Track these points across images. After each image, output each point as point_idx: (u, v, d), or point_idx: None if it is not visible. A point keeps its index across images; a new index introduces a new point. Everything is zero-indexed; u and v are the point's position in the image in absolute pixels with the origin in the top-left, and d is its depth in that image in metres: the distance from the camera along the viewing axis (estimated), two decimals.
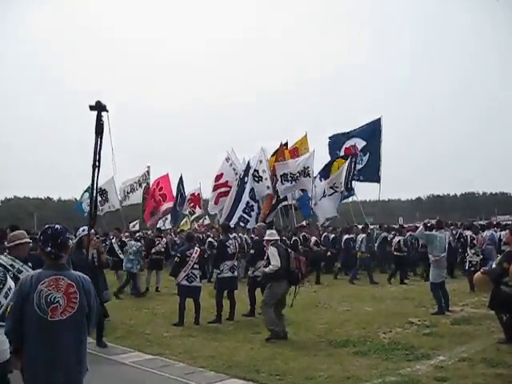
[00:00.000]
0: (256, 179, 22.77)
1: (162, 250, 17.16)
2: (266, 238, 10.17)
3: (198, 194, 30.97)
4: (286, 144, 26.04)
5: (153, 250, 17.00)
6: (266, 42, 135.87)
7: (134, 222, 29.78)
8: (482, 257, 15.18)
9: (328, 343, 9.08)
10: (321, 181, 24.44)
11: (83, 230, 9.25)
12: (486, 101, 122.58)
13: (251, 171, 23.17)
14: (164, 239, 18.06)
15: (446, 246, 12.33)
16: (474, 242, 15.93)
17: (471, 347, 8.54)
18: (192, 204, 30.72)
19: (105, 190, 29.01)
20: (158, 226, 25.58)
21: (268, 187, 23.03)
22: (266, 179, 22.99)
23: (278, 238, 10.45)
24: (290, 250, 10.07)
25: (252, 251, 12.21)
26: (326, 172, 24.71)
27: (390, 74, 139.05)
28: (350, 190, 24.89)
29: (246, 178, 23.41)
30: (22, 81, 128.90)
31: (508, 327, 8.79)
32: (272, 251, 9.63)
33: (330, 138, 27.19)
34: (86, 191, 29.73)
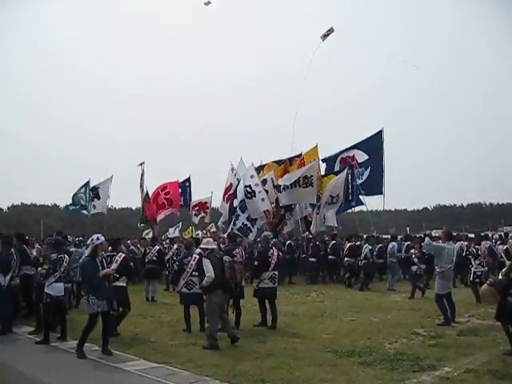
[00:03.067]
0: (249, 195, 22.64)
1: (154, 258, 16.89)
2: (201, 246, 10.46)
3: (206, 203, 30.33)
4: (300, 155, 26.03)
5: (146, 260, 17.04)
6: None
7: (148, 231, 29.49)
8: (486, 268, 15.24)
9: (333, 353, 9.05)
10: None
11: (97, 239, 9.30)
12: (496, 111, 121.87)
13: (242, 187, 23.04)
14: (156, 247, 17.57)
15: (454, 257, 12.26)
16: (479, 252, 16.00)
17: (477, 359, 8.51)
18: (197, 208, 30.15)
19: (98, 187, 30.05)
20: (166, 234, 25.53)
21: (263, 199, 22.90)
22: (259, 192, 22.87)
23: (215, 246, 10.44)
24: (224, 259, 10.01)
25: (256, 262, 12.18)
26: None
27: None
28: (350, 202, 24.93)
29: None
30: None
31: None
32: (205, 263, 9.81)
33: (323, 160, 27.19)
34: (83, 186, 30.13)
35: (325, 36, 24.81)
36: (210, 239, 10.96)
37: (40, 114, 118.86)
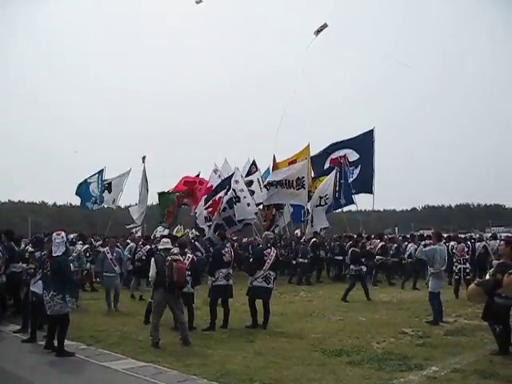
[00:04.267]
0: (234, 200, 22.56)
1: (144, 257, 16.42)
2: (159, 246, 10.71)
3: (220, 199, 26.15)
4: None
5: (135, 257, 16.95)
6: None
7: (137, 228, 29.00)
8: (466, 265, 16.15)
9: (321, 353, 9.06)
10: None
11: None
12: (490, 115, 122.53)
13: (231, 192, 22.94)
14: (147, 246, 17.13)
15: (446, 258, 12.37)
16: (454, 251, 16.42)
17: (464, 358, 8.56)
18: (211, 209, 25.20)
19: (111, 180, 29.10)
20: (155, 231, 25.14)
21: (248, 204, 22.82)
22: (244, 197, 22.81)
23: (170, 246, 10.37)
24: (168, 259, 9.90)
25: (251, 259, 12.12)
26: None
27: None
28: (339, 200, 25.01)
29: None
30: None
31: (501, 339, 8.81)
32: (151, 262, 10.16)
33: (312, 157, 27.22)
34: (95, 175, 29.18)
35: (318, 31, 24.74)
36: (167, 240, 10.88)
37: (32, 110, 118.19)
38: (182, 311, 10.22)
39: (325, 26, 24.82)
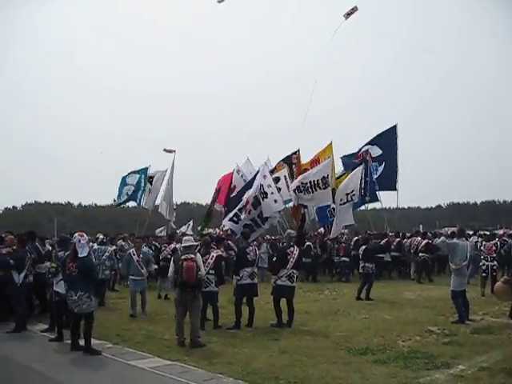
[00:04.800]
0: (262, 196, 22.45)
1: (169, 256, 16.12)
2: (182, 244, 10.41)
3: (248, 200, 24.32)
4: (297, 151, 25.94)
5: (160, 257, 17.04)
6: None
7: (162, 228, 28.86)
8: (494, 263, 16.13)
9: (347, 351, 9.05)
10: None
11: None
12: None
13: (258, 184, 22.80)
14: (172, 245, 17.33)
15: (468, 254, 12.24)
16: (482, 248, 16.39)
17: (491, 357, 8.47)
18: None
19: (153, 177, 27.39)
20: (178, 230, 25.12)
21: (276, 201, 22.70)
22: (272, 193, 22.67)
23: (191, 244, 10.15)
24: (182, 258, 9.81)
25: (274, 259, 12.09)
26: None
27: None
28: (364, 197, 24.81)
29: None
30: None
31: None
32: (171, 261, 10.30)
33: (341, 158, 27.10)
34: (138, 172, 27.71)
35: (348, 15, 24.08)
36: (190, 237, 10.93)
37: (53, 115, 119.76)
38: (198, 312, 10.02)
39: (355, 9, 24.04)
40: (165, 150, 27.35)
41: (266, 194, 22.02)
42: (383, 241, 22.47)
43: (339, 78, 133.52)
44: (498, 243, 19.11)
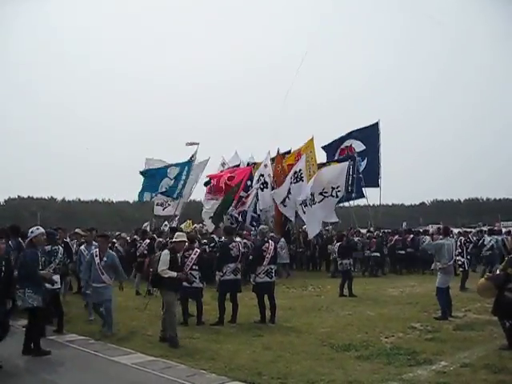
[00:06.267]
0: (262, 186, 22.38)
1: (145, 252, 16.37)
2: (175, 239, 9.88)
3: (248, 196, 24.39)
4: (290, 152, 25.93)
5: (137, 253, 16.92)
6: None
7: (146, 224, 28.59)
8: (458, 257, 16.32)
9: (330, 347, 9.06)
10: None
11: (31, 232, 9.03)
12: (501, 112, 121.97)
13: (257, 177, 22.70)
14: (147, 240, 17.17)
15: (453, 253, 12.34)
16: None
17: (473, 353, 8.52)
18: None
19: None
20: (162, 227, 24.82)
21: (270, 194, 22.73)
22: (269, 185, 22.76)
23: (181, 240, 9.80)
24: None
25: (250, 257, 12.09)
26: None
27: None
28: (351, 194, 24.90)
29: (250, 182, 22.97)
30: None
31: (511, 333, 8.77)
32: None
33: (323, 147, 27.10)
34: (181, 165, 25.25)
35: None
36: (182, 233, 10.48)
37: (41, 106, 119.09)
38: (169, 309, 9.51)
39: None
40: (187, 143, 25.85)
41: (266, 183, 21.99)
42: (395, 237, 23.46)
43: (329, 73, 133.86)
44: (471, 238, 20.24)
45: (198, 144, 25.34)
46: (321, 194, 21.90)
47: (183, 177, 25.01)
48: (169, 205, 27.03)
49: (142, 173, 25.52)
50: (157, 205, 27.49)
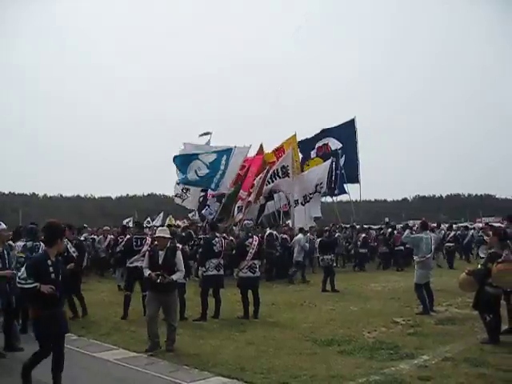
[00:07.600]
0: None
1: (123, 248, 15.38)
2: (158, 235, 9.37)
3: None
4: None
5: (117, 249, 16.77)
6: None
7: (128, 219, 28.30)
8: None
9: (313, 342, 9.08)
10: None
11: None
12: (486, 108, 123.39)
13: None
14: (128, 236, 15.99)
15: (432, 246, 12.40)
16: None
17: (455, 347, 8.59)
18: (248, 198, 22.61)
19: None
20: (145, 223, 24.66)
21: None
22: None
23: (162, 235, 9.21)
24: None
25: (233, 251, 12.09)
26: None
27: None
28: (333, 190, 25.09)
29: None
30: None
31: (491, 327, 8.86)
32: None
33: (299, 143, 27.13)
34: (219, 153, 21.92)
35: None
36: (165, 228, 10.27)
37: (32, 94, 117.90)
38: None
39: None
40: (200, 135, 24.57)
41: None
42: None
43: (315, 71, 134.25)
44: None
45: (210, 133, 24.25)
46: (311, 194, 23.27)
47: (221, 166, 21.68)
48: (187, 197, 24.58)
49: (175, 158, 22.52)
50: (176, 196, 25.15)
